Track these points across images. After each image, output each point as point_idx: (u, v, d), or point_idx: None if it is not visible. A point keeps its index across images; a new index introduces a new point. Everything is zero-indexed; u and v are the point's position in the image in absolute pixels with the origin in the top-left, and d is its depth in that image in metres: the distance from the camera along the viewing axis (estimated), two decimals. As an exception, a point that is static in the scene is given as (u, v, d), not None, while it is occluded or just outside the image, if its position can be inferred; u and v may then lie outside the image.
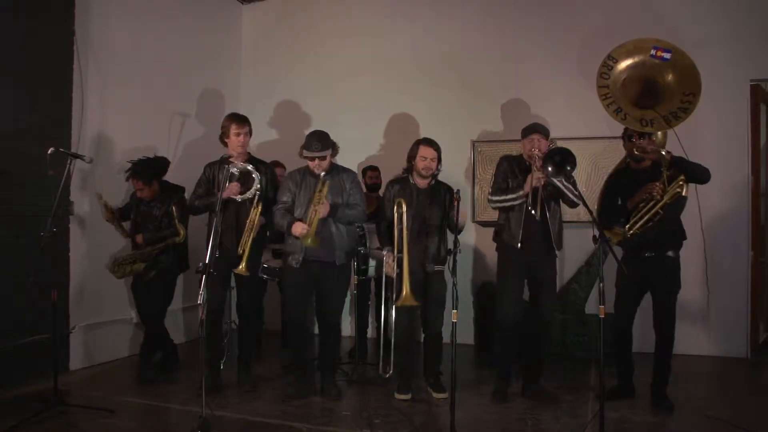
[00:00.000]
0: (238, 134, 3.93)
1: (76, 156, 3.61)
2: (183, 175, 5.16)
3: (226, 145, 4.02)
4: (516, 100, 5.33)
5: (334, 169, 3.86)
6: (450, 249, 3.20)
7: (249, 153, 4.07)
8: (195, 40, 5.61)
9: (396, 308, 3.83)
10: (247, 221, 3.79)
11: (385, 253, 3.83)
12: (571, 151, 3.36)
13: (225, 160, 3.92)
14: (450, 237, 3.70)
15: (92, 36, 4.49)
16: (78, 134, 4.35)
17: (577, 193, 3.50)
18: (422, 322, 3.92)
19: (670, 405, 3.54)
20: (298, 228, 3.62)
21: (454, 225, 3.63)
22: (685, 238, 3.68)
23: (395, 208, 3.74)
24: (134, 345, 4.67)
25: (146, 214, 4.21)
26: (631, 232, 3.53)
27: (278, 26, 6.20)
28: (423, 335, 3.98)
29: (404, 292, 3.56)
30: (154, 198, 4.21)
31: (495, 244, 3.89)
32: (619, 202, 3.72)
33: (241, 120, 3.97)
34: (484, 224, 5.39)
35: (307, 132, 3.91)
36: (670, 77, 3.63)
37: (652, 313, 3.66)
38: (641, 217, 3.52)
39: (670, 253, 3.61)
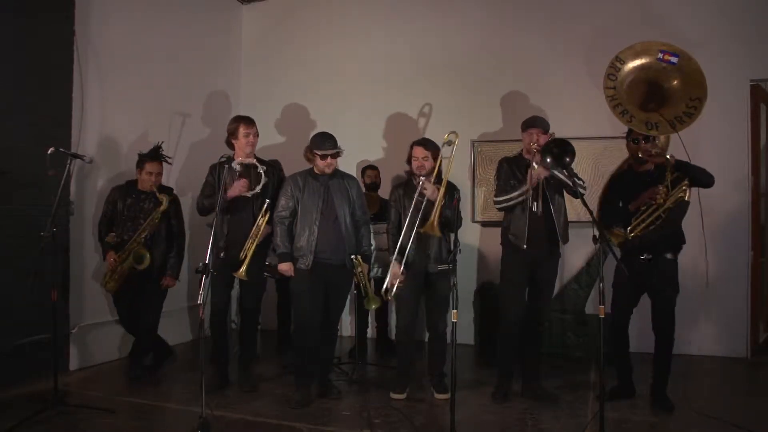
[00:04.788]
0: (247, 135, 3.93)
1: (76, 156, 3.61)
2: (183, 174, 5.18)
3: (232, 147, 4.00)
4: (516, 101, 5.33)
5: (337, 173, 3.88)
6: (452, 249, 3.19)
7: (255, 155, 4.07)
8: (195, 39, 5.60)
9: (397, 306, 3.83)
10: (253, 227, 3.81)
11: (393, 261, 3.74)
12: (569, 143, 3.34)
13: (230, 160, 3.88)
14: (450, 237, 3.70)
15: (92, 36, 4.48)
16: (78, 134, 4.34)
17: (580, 182, 3.49)
18: (427, 322, 3.92)
19: (670, 405, 3.54)
20: (286, 268, 3.72)
21: (451, 224, 3.67)
22: (684, 242, 3.68)
23: (417, 181, 3.76)
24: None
25: (134, 207, 4.11)
26: (633, 234, 3.53)
27: (278, 26, 6.20)
28: (428, 335, 3.96)
29: (431, 219, 3.55)
30: (150, 191, 4.13)
31: (498, 243, 3.89)
32: (620, 204, 3.72)
33: (249, 121, 3.99)
34: (485, 224, 5.39)
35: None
36: (676, 81, 3.63)
37: (651, 314, 3.66)
38: (643, 220, 3.53)
39: (668, 256, 3.61)
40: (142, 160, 4.17)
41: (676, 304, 3.62)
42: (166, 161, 4.27)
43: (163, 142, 4.28)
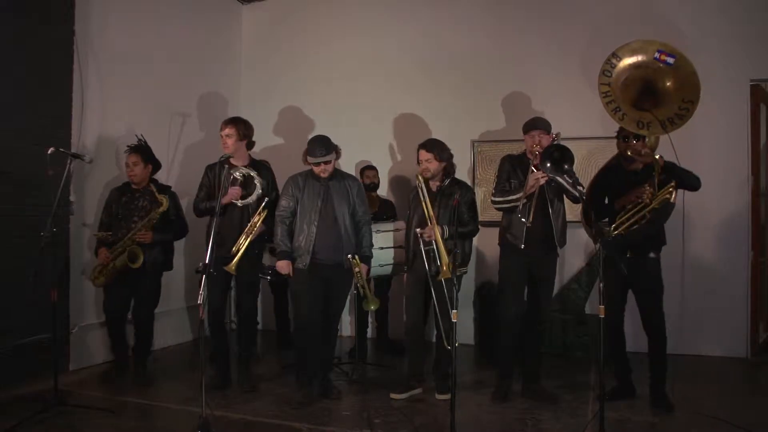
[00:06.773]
0: (221, 136, 3.97)
1: (76, 156, 3.61)
2: (182, 173, 5.19)
3: None
4: (516, 100, 5.33)
5: (338, 174, 3.88)
6: (457, 251, 3.21)
7: (249, 155, 4.08)
8: (195, 40, 5.60)
9: (405, 305, 3.84)
10: (249, 224, 3.82)
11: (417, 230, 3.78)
12: (568, 149, 3.35)
13: (225, 161, 3.91)
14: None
15: (92, 36, 4.48)
16: (78, 134, 4.34)
17: (580, 188, 3.49)
18: (435, 323, 3.91)
19: (670, 405, 3.54)
20: (284, 266, 3.73)
21: (466, 258, 3.74)
22: (665, 242, 3.69)
23: (417, 183, 3.84)
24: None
25: (129, 206, 4.09)
26: (616, 232, 3.53)
27: (278, 26, 6.19)
28: (435, 334, 3.97)
29: (444, 267, 3.57)
30: (141, 189, 4.13)
31: (497, 243, 3.89)
32: (606, 201, 3.72)
33: (225, 122, 4.00)
34: (484, 224, 5.37)
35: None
36: (670, 82, 3.62)
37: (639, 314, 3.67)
38: (628, 219, 3.52)
39: (651, 255, 3.62)
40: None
41: (672, 302, 3.62)
42: (141, 152, 4.16)
43: (142, 135, 4.25)
